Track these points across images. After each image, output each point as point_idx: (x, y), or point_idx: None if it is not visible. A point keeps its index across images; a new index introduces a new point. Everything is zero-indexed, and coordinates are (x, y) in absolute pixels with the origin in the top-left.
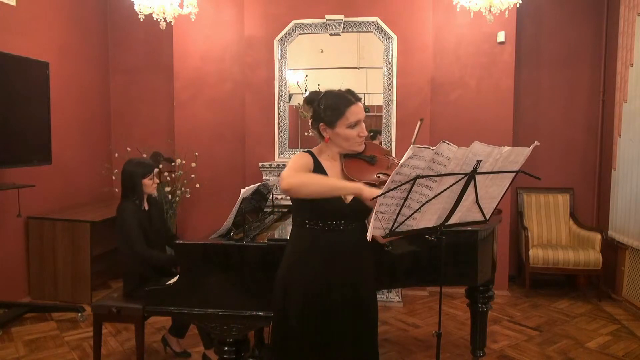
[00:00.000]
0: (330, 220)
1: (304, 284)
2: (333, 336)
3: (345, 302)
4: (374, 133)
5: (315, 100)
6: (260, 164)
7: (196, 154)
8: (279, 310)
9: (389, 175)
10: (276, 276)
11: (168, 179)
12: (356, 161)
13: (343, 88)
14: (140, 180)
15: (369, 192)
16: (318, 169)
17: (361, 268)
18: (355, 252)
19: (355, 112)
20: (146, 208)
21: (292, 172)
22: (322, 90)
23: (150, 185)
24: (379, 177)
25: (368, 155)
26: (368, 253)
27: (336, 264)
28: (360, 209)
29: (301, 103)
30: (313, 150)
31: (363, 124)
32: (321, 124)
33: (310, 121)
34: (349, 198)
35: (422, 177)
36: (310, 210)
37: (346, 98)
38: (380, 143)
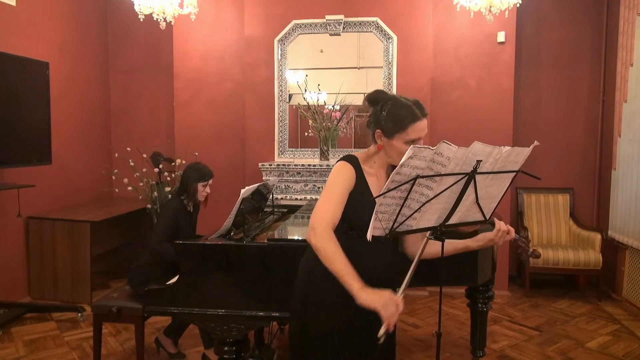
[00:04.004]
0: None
1: (329, 288)
2: (353, 342)
3: (368, 313)
4: None
5: (379, 101)
6: (260, 164)
7: (196, 154)
8: (299, 314)
9: None
10: (297, 277)
11: (168, 179)
12: None
13: (344, 88)
14: (195, 183)
15: (365, 299)
16: (360, 184)
17: (389, 280)
18: (386, 266)
19: (419, 129)
20: (191, 210)
21: (322, 228)
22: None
23: (201, 191)
24: None
25: None
26: (397, 266)
27: (365, 274)
28: None
29: (301, 103)
30: (360, 155)
31: (422, 141)
32: (378, 130)
33: (367, 121)
34: None
35: (422, 177)
36: (348, 221)
37: (412, 112)
38: None
